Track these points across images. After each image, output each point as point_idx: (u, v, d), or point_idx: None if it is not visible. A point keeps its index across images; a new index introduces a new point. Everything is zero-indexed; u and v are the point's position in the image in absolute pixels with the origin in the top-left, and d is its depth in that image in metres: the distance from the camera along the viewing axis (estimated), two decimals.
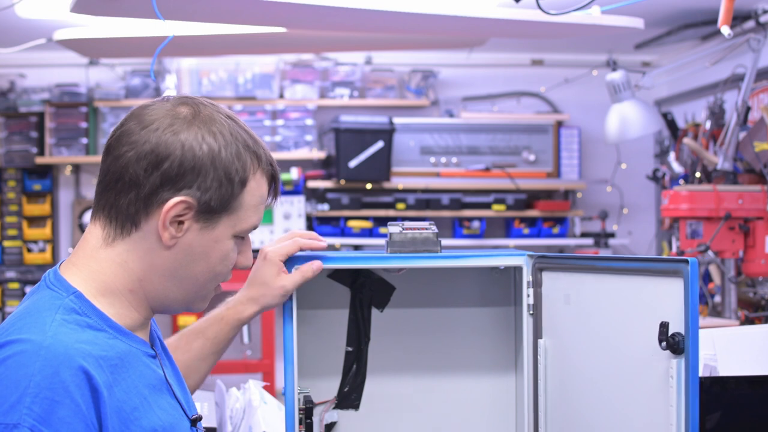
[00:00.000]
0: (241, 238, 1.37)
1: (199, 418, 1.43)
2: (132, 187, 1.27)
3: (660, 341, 1.50)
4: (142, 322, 1.37)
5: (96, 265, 1.31)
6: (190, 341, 1.69)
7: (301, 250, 1.69)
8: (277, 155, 5.20)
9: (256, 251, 1.64)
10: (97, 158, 5.19)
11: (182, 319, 5.04)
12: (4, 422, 1.13)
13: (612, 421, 1.59)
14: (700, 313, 3.53)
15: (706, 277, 3.80)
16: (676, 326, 1.45)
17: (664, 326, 1.50)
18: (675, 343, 1.47)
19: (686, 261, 1.47)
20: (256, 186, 1.34)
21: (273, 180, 1.38)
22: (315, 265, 1.67)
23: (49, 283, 1.30)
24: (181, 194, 1.27)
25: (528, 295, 1.78)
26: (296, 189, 5.10)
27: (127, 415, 1.24)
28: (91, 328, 1.26)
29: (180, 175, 1.26)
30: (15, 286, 5.22)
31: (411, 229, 1.78)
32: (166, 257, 1.31)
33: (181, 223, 1.29)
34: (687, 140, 3.95)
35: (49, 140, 5.14)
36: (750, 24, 4.10)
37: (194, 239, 1.31)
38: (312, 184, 5.14)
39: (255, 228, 1.38)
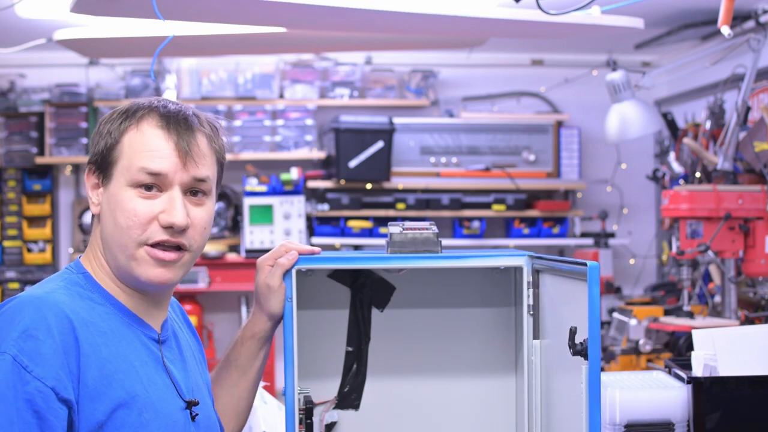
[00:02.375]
0: (146, 190, 1.47)
1: (195, 403, 1.54)
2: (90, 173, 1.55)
3: (569, 347, 1.51)
4: (138, 303, 1.52)
5: (90, 250, 1.55)
6: (219, 371, 1.77)
7: (300, 253, 1.70)
8: (277, 155, 5.21)
9: (258, 254, 1.66)
10: None
11: None
12: None
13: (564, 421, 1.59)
14: (700, 313, 3.53)
15: (706, 277, 3.80)
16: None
17: (572, 332, 1.51)
18: (583, 349, 1.48)
19: (585, 264, 1.48)
20: (138, 135, 1.49)
21: (168, 128, 1.49)
22: (290, 255, 1.69)
23: (68, 266, 1.55)
24: (89, 162, 1.54)
25: (528, 296, 1.78)
26: (296, 189, 5.10)
27: (111, 375, 1.41)
28: (91, 300, 1.47)
29: (87, 147, 1.57)
30: (15, 286, 5.22)
31: (411, 229, 1.78)
32: (101, 227, 1.52)
33: (97, 188, 1.51)
34: (687, 140, 3.95)
35: (49, 140, 5.14)
36: (750, 24, 4.10)
37: (104, 201, 1.50)
38: (312, 184, 5.14)
39: (150, 174, 1.47)
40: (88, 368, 1.38)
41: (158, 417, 1.45)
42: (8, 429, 1.30)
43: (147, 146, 1.47)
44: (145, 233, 1.47)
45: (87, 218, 5.30)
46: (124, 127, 1.49)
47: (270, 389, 2.52)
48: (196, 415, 1.55)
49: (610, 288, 4.94)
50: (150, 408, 1.44)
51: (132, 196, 1.47)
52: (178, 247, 1.50)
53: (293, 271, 1.69)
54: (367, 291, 1.92)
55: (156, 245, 1.48)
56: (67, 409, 1.35)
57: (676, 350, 3.42)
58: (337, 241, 5.07)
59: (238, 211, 5.22)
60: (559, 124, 5.35)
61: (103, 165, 1.50)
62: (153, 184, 1.47)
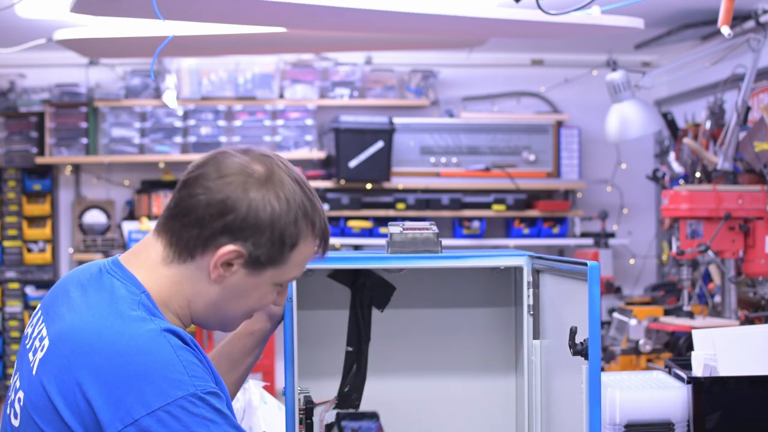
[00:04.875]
0: (280, 285, 1.51)
1: None
2: (197, 225, 1.43)
3: (570, 347, 1.51)
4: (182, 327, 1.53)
5: (156, 277, 1.46)
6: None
7: None
8: None
9: None
10: (97, 158, 5.20)
11: None
12: (184, 393, 1.31)
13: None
14: (700, 313, 3.53)
15: (706, 277, 3.80)
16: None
17: (572, 332, 1.51)
18: (583, 349, 1.48)
19: (585, 264, 1.48)
20: (305, 247, 1.47)
21: (323, 240, 1.51)
22: None
23: (118, 276, 1.45)
24: (237, 244, 1.42)
25: (528, 296, 1.78)
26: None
27: None
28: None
29: (240, 229, 1.41)
30: (15, 286, 5.22)
31: (411, 229, 1.78)
32: (212, 290, 1.46)
33: (230, 265, 1.44)
34: (687, 140, 3.95)
35: (49, 140, 5.14)
36: (750, 24, 4.10)
37: (239, 282, 1.46)
38: (312, 184, 5.12)
39: (294, 279, 1.54)
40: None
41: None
42: None
43: (304, 261, 1.50)
44: None
45: (87, 219, 5.30)
46: (300, 239, 1.46)
47: (270, 389, 2.52)
48: None
49: (610, 288, 4.94)
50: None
51: (273, 290, 1.50)
52: None
53: None
54: (367, 291, 1.92)
55: None
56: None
57: (676, 350, 3.42)
58: (337, 241, 5.07)
59: None
60: (559, 124, 5.35)
61: (264, 263, 1.44)
62: None
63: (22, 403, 1.40)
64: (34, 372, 1.38)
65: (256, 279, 1.46)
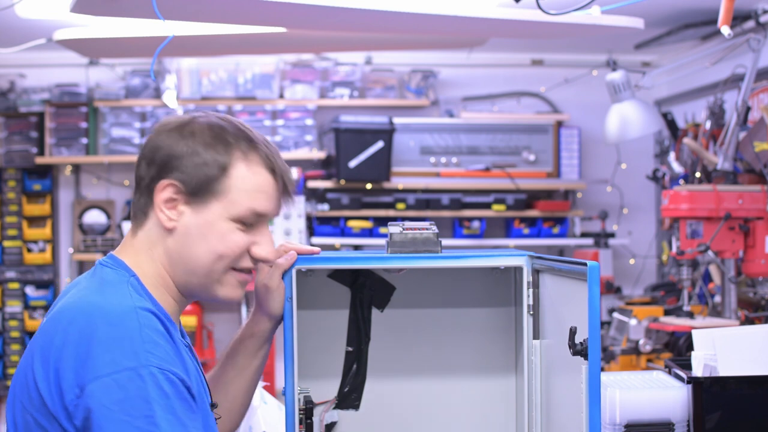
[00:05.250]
0: (245, 224, 1.52)
1: (216, 405, 1.60)
2: (139, 183, 1.54)
3: (569, 347, 1.51)
4: (177, 310, 1.57)
5: (138, 258, 1.53)
6: (216, 370, 1.78)
7: (299, 254, 1.70)
8: None
9: None
10: (97, 158, 5.20)
11: (182, 319, 5.04)
12: (135, 365, 1.34)
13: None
14: (700, 313, 3.53)
15: (706, 277, 3.80)
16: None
17: (572, 332, 1.51)
18: (583, 349, 1.48)
19: (585, 264, 1.48)
20: (248, 173, 1.52)
21: (274, 173, 1.55)
22: (289, 255, 1.70)
23: (110, 264, 1.53)
24: (168, 178, 1.50)
25: (528, 296, 1.78)
26: (296, 189, 5.10)
27: (186, 369, 1.44)
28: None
29: (166, 162, 1.50)
30: (15, 286, 5.22)
31: (411, 229, 1.78)
32: (172, 242, 1.52)
33: (174, 204, 1.50)
34: (687, 140, 3.95)
35: (49, 140, 5.14)
36: (750, 24, 4.10)
37: (190, 222, 1.51)
38: (312, 184, 5.14)
39: (255, 214, 1.53)
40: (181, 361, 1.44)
41: (206, 412, 1.51)
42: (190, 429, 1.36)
43: (258, 187, 1.53)
44: (236, 261, 1.54)
45: (87, 219, 5.30)
46: (233, 161, 1.51)
47: (270, 389, 2.52)
48: (219, 417, 1.61)
49: (610, 288, 4.94)
50: (202, 403, 1.49)
51: (233, 228, 1.51)
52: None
53: (293, 271, 1.69)
54: (367, 291, 1.92)
55: (243, 271, 1.56)
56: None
57: (676, 350, 3.42)
58: (337, 241, 5.07)
59: None
60: (559, 124, 5.35)
61: (199, 192, 1.50)
62: (253, 222, 1.54)
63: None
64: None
65: (205, 215, 1.50)
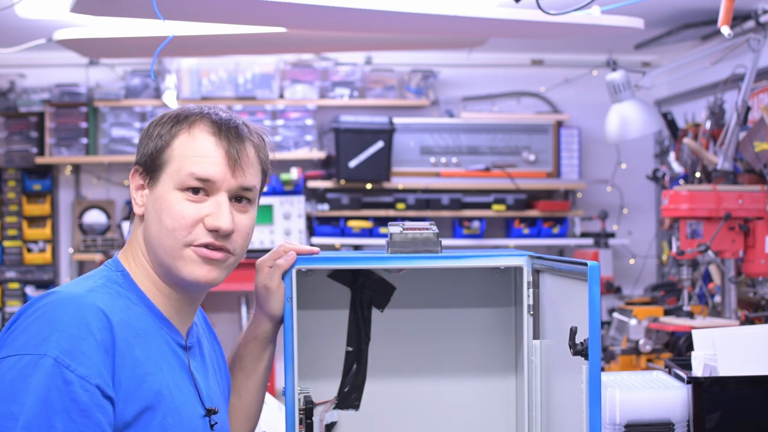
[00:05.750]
0: (194, 193, 1.49)
1: (215, 411, 1.56)
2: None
3: (570, 347, 1.51)
4: (172, 306, 1.54)
5: (127, 249, 1.56)
6: None
7: (299, 254, 1.70)
8: (277, 155, 5.18)
9: (258, 254, 1.66)
10: (97, 158, 5.20)
11: None
12: (35, 353, 1.33)
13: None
14: (700, 313, 3.53)
15: (706, 277, 3.80)
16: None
17: (572, 332, 1.51)
18: (583, 349, 1.48)
19: (585, 263, 1.48)
20: (189, 139, 1.51)
21: (219, 136, 1.51)
22: (288, 256, 1.69)
23: (107, 263, 1.56)
24: (134, 165, 1.56)
25: (528, 296, 1.78)
26: (296, 189, 5.10)
27: (142, 376, 1.42)
28: (128, 300, 1.49)
29: (136, 151, 1.56)
30: (15, 286, 5.22)
31: (411, 229, 1.78)
32: (144, 228, 1.53)
33: (140, 188, 1.53)
34: (687, 140, 3.95)
35: (49, 140, 5.14)
36: (750, 24, 4.10)
37: (150, 203, 1.52)
38: (312, 184, 5.14)
39: (197, 179, 1.49)
40: (122, 368, 1.39)
41: (181, 422, 1.47)
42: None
43: (198, 151, 1.50)
44: (191, 235, 1.49)
45: (87, 219, 5.30)
46: (176, 131, 1.51)
47: (270, 389, 2.52)
48: (215, 423, 1.57)
49: (610, 288, 4.94)
50: (174, 412, 1.45)
51: (179, 198, 1.49)
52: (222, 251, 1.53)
53: (293, 271, 1.69)
54: (367, 291, 1.92)
55: (201, 247, 1.51)
56: (112, 407, 1.36)
57: (676, 350, 3.42)
58: (337, 241, 5.07)
59: None
60: (559, 124, 5.34)
61: (150, 167, 1.51)
62: (201, 188, 1.50)
63: None
64: None
65: (157, 190, 1.50)
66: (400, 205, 5.12)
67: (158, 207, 1.50)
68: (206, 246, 1.50)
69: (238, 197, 1.54)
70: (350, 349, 1.93)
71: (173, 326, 1.55)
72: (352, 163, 5.01)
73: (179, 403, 1.47)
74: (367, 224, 5.09)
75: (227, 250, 1.52)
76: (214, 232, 1.50)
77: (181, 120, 1.52)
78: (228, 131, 1.51)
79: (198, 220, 1.49)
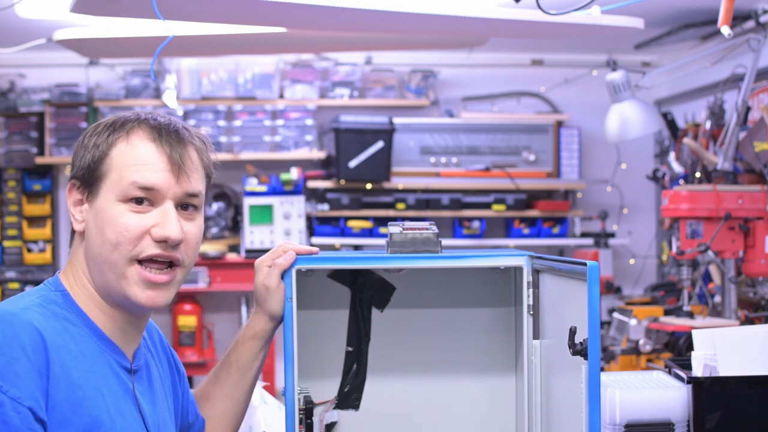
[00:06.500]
0: (137, 204, 1.43)
1: None
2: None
3: (569, 347, 1.51)
4: (117, 327, 1.46)
5: (67, 268, 1.49)
6: (218, 372, 1.75)
7: (298, 254, 1.69)
8: (277, 155, 5.21)
9: (258, 254, 1.65)
10: None
11: (182, 319, 5.04)
12: None
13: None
14: (700, 313, 3.53)
15: (706, 277, 3.80)
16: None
17: (572, 332, 1.51)
18: (583, 349, 1.48)
19: (585, 263, 1.48)
20: (127, 148, 1.44)
21: (159, 142, 1.45)
22: (288, 255, 1.67)
23: (46, 282, 1.49)
24: (71, 180, 1.48)
25: (528, 296, 1.78)
26: (296, 189, 5.09)
27: (79, 400, 1.35)
28: (66, 321, 1.41)
29: (72, 165, 1.48)
30: (15, 286, 5.22)
31: (411, 229, 1.78)
32: (85, 245, 1.46)
33: (78, 203, 1.46)
34: (687, 140, 3.95)
35: (49, 140, 5.14)
36: (750, 24, 4.10)
37: (90, 218, 1.45)
38: (312, 184, 5.14)
39: (140, 188, 1.43)
40: (57, 391, 1.33)
41: None
42: None
43: (138, 159, 1.43)
44: (137, 248, 1.43)
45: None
46: (113, 140, 1.44)
47: (270, 389, 2.52)
48: None
49: (610, 288, 4.94)
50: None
51: (122, 210, 1.42)
52: (170, 264, 1.46)
53: (293, 271, 1.69)
54: (367, 291, 1.92)
55: (148, 261, 1.44)
56: (44, 431, 1.31)
57: (676, 350, 3.42)
58: (337, 241, 5.07)
59: (238, 211, 5.22)
60: (559, 124, 5.35)
61: (89, 180, 1.45)
62: (144, 198, 1.43)
63: None
64: None
65: (98, 204, 1.44)
66: (400, 205, 5.12)
67: (100, 221, 1.43)
68: (153, 260, 1.44)
69: (184, 204, 1.48)
70: (350, 349, 1.93)
71: (117, 348, 1.47)
72: (352, 163, 5.01)
73: (120, 430, 1.40)
74: (367, 224, 5.09)
75: (176, 261, 1.46)
76: (163, 242, 1.43)
77: (117, 128, 1.45)
78: (168, 136, 1.45)
79: (144, 231, 1.43)
